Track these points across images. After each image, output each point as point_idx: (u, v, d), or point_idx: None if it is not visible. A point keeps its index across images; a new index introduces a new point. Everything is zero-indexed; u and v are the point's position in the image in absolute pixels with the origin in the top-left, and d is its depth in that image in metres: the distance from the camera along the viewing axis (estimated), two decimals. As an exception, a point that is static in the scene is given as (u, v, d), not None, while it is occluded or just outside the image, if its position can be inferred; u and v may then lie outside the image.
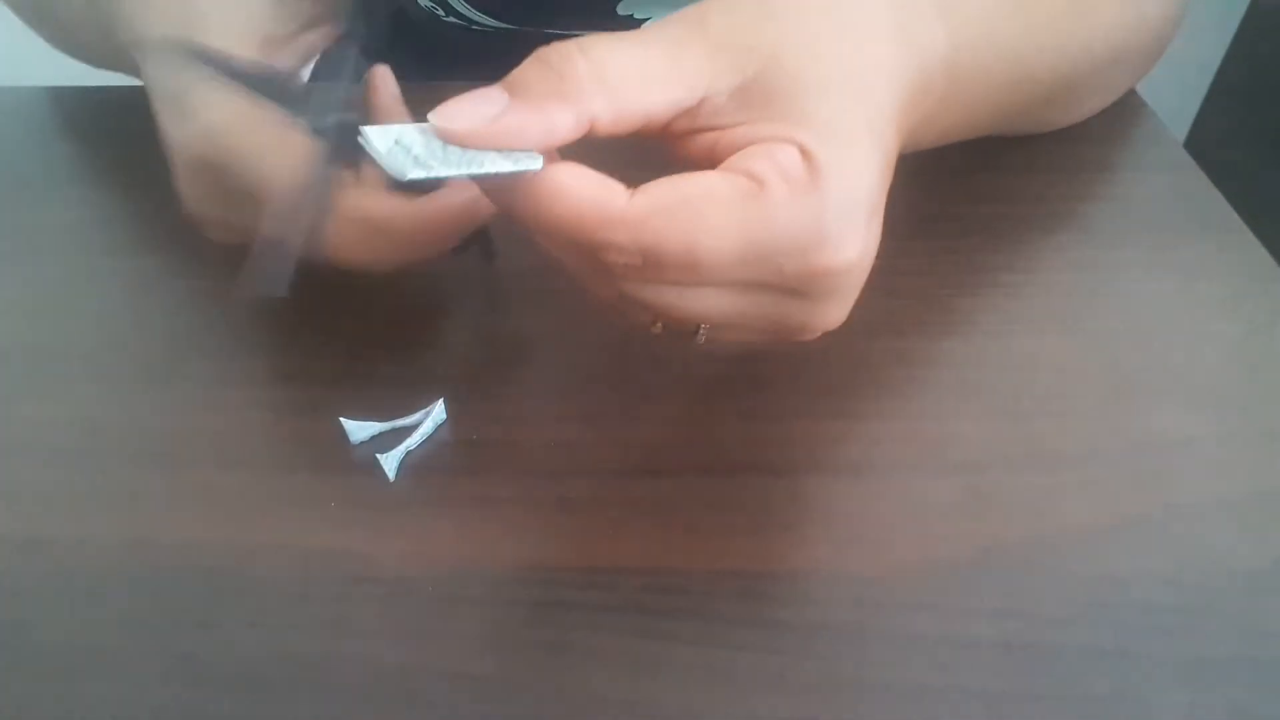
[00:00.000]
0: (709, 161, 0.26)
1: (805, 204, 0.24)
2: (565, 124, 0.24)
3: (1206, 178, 0.42)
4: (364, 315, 0.37)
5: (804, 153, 0.25)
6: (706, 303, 0.26)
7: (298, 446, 0.32)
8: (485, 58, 0.59)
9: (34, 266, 0.40)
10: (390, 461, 0.31)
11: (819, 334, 0.28)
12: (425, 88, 0.49)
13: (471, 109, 0.24)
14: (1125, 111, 0.46)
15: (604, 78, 0.24)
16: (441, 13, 0.56)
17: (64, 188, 0.44)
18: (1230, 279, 0.38)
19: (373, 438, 0.33)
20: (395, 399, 0.33)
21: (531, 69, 0.25)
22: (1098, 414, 0.33)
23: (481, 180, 0.24)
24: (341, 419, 0.32)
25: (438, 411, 0.33)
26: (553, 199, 0.24)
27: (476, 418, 0.33)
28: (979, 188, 0.42)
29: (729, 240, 0.24)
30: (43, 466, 0.32)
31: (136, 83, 0.50)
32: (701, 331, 0.28)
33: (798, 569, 0.29)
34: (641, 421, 0.33)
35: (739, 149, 0.25)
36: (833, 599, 0.28)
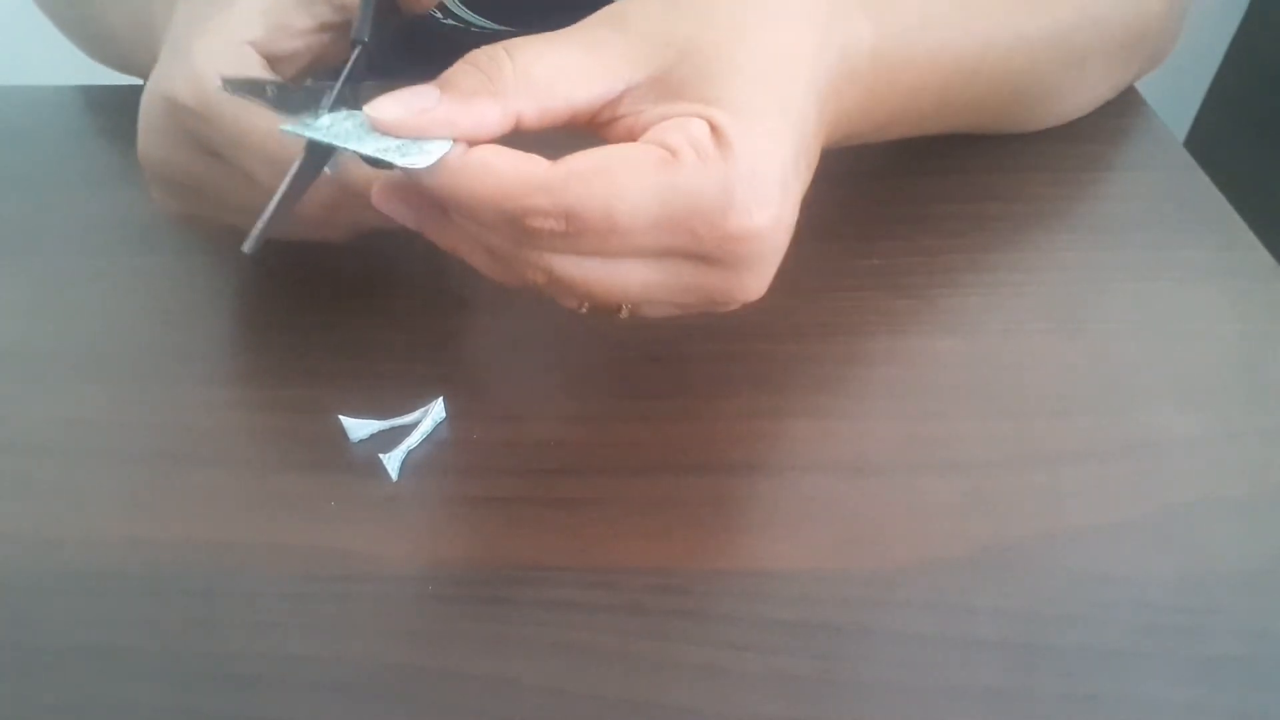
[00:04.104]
0: (625, 141, 0.27)
1: (713, 171, 0.26)
2: (491, 118, 0.26)
3: (1206, 178, 0.42)
4: (364, 315, 0.37)
5: (713, 127, 0.26)
6: (629, 273, 0.28)
7: (298, 445, 0.32)
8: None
9: (34, 266, 0.40)
10: (393, 461, 0.31)
11: (739, 305, 0.29)
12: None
13: (404, 101, 0.26)
14: (1125, 111, 0.46)
15: (529, 78, 0.27)
16: (439, 15, 0.56)
17: (64, 188, 0.44)
18: (1230, 279, 0.38)
19: (372, 436, 0.33)
20: (395, 398, 0.33)
21: (461, 69, 0.27)
22: (1098, 414, 0.33)
23: (409, 169, 0.26)
24: (341, 417, 0.32)
25: (437, 410, 0.33)
26: (479, 174, 0.26)
27: (476, 417, 0.33)
28: (979, 187, 0.42)
29: (644, 203, 0.26)
30: (43, 466, 0.32)
31: (139, 82, 0.51)
32: (624, 307, 0.30)
33: (798, 569, 0.29)
34: (641, 421, 0.33)
35: (657, 125, 0.27)
36: (833, 599, 0.28)
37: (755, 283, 0.29)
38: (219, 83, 0.27)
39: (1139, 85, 0.47)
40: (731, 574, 0.29)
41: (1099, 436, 0.32)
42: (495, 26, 0.54)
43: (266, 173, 0.31)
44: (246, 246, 0.26)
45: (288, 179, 0.27)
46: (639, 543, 0.30)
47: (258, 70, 0.32)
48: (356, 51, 0.31)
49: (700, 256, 0.27)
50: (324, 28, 0.34)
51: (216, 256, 0.40)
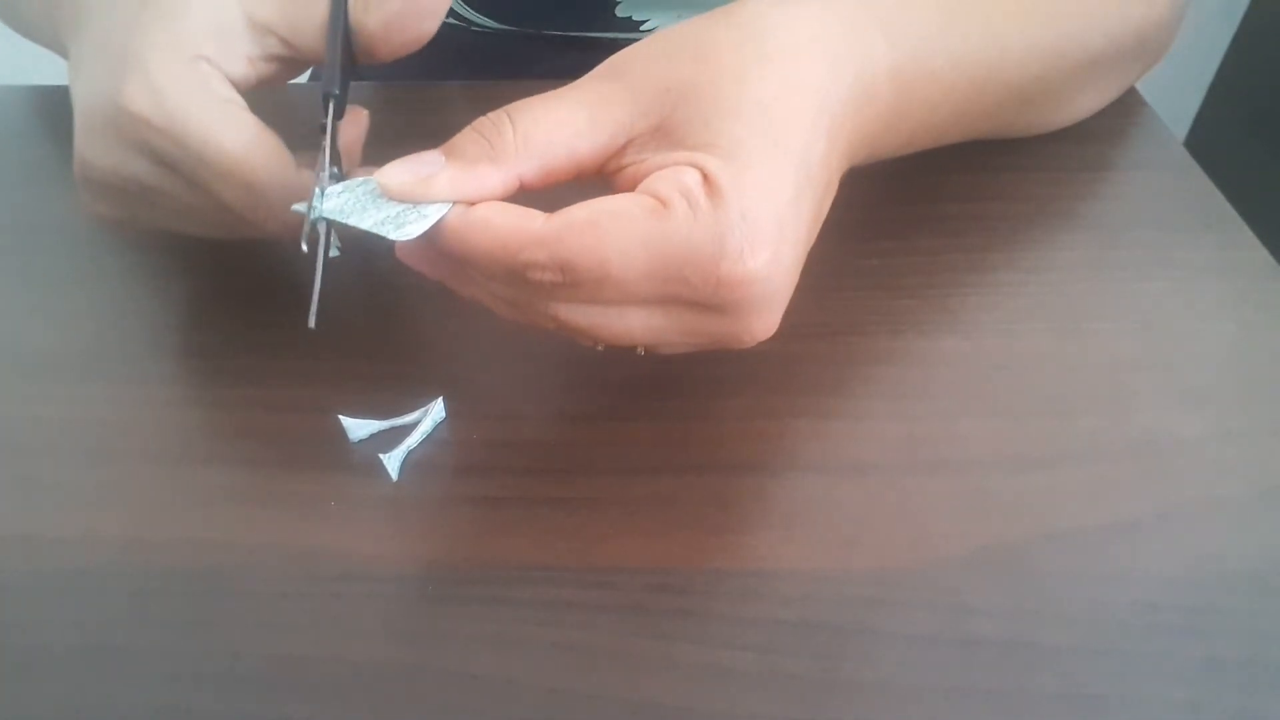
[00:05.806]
0: (631, 188, 0.28)
1: (704, 220, 0.26)
2: (494, 183, 0.28)
3: (1206, 177, 0.42)
4: (364, 315, 0.37)
5: (705, 175, 0.27)
6: (632, 319, 0.28)
7: (297, 445, 0.32)
8: (484, 59, 0.59)
9: (34, 266, 0.40)
10: (393, 461, 0.31)
11: (749, 345, 0.30)
12: (424, 88, 0.49)
13: (410, 168, 0.27)
14: (1125, 111, 0.46)
15: (530, 143, 0.28)
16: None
17: (64, 188, 0.44)
18: (1230, 279, 0.38)
19: (372, 436, 0.33)
20: (395, 398, 0.33)
21: (466, 136, 0.28)
22: (1098, 414, 0.33)
23: (406, 237, 0.27)
24: (341, 417, 0.32)
25: (437, 410, 0.33)
26: (479, 231, 0.27)
27: (476, 417, 0.33)
28: (979, 187, 0.42)
29: (635, 253, 0.26)
30: (42, 466, 0.32)
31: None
32: (640, 347, 0.30)
33: (798, 569, 0.29)
34: (641, 421, 0.33)
35: (652, 174, 0.28)
36: (833, 599, 0.28)
37: (760, 324, 0.29)
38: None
39: (1139, 85, 0.47)
40: (731, 574, 0.29)
41: (1099, 436, 0.32)
42: (497, 25, 0.54)
43: (226, 189, 0.31)
44: (311, 322, 0.28)
45: (320, 250, 0.29)
46: (639, 543, 0.30)
47: (215, 85, 0.31)
48: (331, 105, 0.31)
49: (698, 303, 0.28)
50: (270, 59, 0.34)
51: (216, 257, 0.39)
